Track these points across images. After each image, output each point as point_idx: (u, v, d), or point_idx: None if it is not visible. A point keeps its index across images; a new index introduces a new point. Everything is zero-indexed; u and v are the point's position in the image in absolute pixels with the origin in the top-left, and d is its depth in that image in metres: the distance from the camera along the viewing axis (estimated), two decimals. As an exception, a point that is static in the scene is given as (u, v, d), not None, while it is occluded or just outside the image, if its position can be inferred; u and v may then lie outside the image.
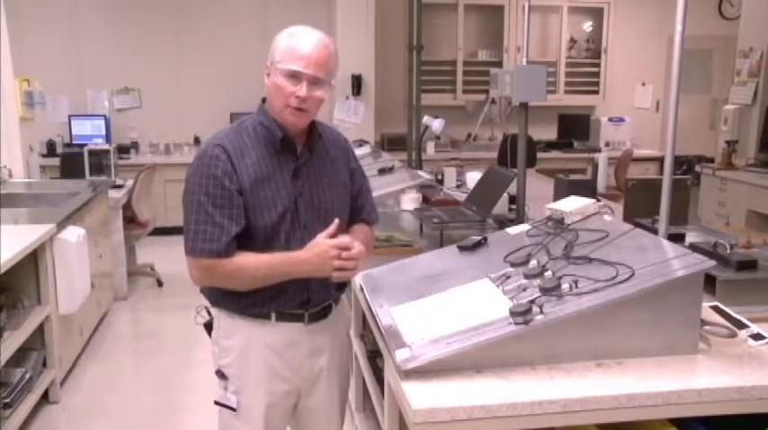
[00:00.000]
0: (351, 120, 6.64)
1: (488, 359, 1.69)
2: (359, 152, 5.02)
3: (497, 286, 1.92)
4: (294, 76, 1.79)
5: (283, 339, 1.93)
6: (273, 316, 1.91)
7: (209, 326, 2.02)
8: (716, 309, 2.07)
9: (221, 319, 1.96)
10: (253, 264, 1.82)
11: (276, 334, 1.92)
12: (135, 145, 7.12)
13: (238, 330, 1.93)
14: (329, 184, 1.95)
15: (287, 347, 1.93)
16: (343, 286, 2.07)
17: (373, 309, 2.05)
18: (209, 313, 2.02)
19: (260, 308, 1.90)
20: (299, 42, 1.80)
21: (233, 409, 1.94)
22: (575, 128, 7.69)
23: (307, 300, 1.92)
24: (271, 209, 1.84)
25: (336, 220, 1.88)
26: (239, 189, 1.82)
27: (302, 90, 1.79)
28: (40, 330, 3.44)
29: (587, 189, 3.56)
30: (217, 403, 1.97)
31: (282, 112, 1.84)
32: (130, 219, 5.39)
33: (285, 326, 1.92)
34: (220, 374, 1.96)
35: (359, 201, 2.06)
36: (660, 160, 6.49)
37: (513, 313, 1.71)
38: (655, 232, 2.23)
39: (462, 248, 2.35)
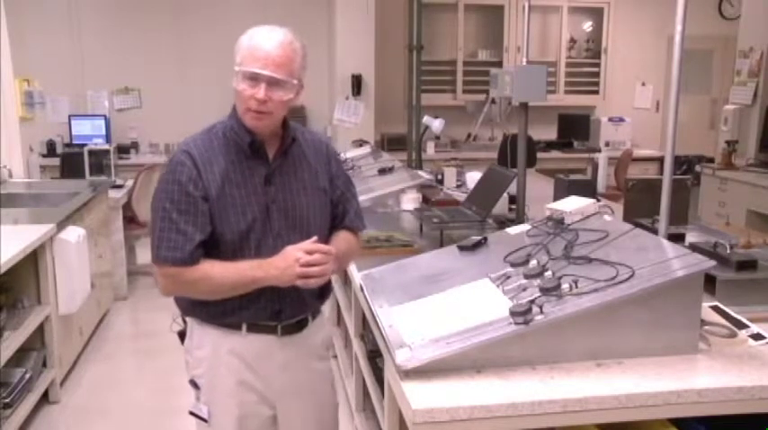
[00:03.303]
0: (351, 120, 6.64)
1: (488, 359, 1.69)
2: (359, 152, 5.04)
3: (497, 286, 1.92)
4: (253, 78, 1.74)
5: (254, 351, 1.88)
6: (244, 326, 1.87)
7: (182, 335, 1.99)
8: (716, 309, 2.07)
9: (193, 329, 1.93)
10: (218, 271, 1.78)
11: (246, 345, 1.88)
12: (135, 145, 7.12)
13: (208, 340, 1.89)
14: (305, 191, 1.89)
15: (258, 359, 1.89)
16: (323, 296, 2.00)
17: (373, 309, 2.05)
18: (185, 321, 1.98)
19: (230, 317, 1.85)
20: (257, 43, 1.75)
21: (205, 420, 1.91)
22: (575, 128, 7.68)
23: (278, 311, 1.87)
24: (239, 216, 1.80)
25: (315, 237, 1.81)
26: (204, 195, 1.78)
27: (260, 92, 1.74)
28: (40, 330, 3.44)
29: (587, 189, 3.57)
30: (191, 413, 1.94)
31: (244, 116, 1.80)
32: (130, 219, 5.40)
33: (256, 337, 1.88)
34: (193, 384, 1.93)
35: (340, 207, 1.99)
36: (660, 160, 6.49)
37: (513, 313, 1.71)
38: (655, 232, 2.23)
39: (462, 248, 2.35)
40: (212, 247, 1.80)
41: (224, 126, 1.86)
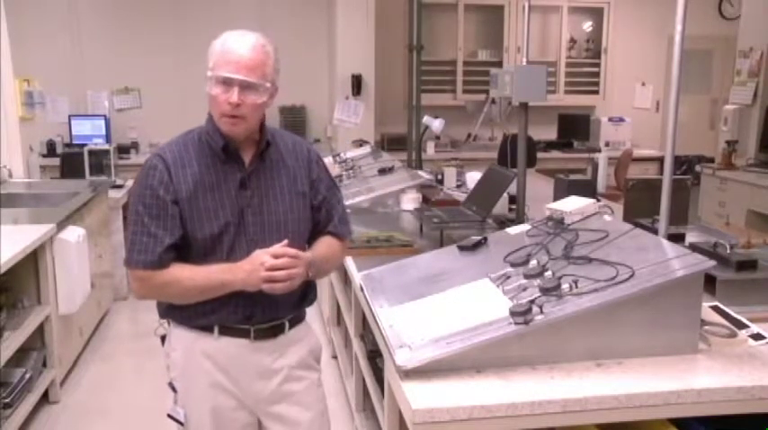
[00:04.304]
0: (351, 120, 6.64)
1: (488, 359, 1.69)
2: (359, 152, 5.04)
3: (497, 286, 1.92)
4: (226, 83, 1.74)
5: (227, 354, 1.87)
6: (216, 329, 1.86)
7: (164, 339, 1.99)
8: (716, 309, 2.07)
9: (170, 331, 1.94)
10: (188, 275, 1.78)
11: (219, 347, 1.87)
12: (135, 145, 7.11)
13: (183, 342, 1.90)
14: (282, 195, 1.87)
15: (231, 362, 1.87)
16: (302, 301, 1.96)
17: (373, 309, 2.05)
18: (170, 324, 1.97)
19: (203, 319, 1.85)
20: (230, 47, 1.75)
21: (181, 423, 1.90)
22: (575, 128, 7.68)
23: (250, 315, 1.85)
24: (212, 220, 1.80)
25: (285, 241, 1.79)
26: (175, 199, 1.78)
27: (233, 96, 1.73)
28: (40, 330, 3.44)
29: (587, 189, 3.57)
30: (168, 416, 1.93)
31: (219, 122, 1.80)
32: (130, 219, 5.39)
33: (229, 340, 1.86)
34: (171, 387, 1.93)
35: (323, 212, 1.96)
36: (660, 160, 6.49)
37: (513, 313, 1.71)
38: (655, 232, 2.23)
39: (462, 248, 2.35)
40: (185, 250, 1.81)
41: (200, 131, 1.87)
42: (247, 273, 1.75)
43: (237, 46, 1.75)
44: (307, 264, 1.81)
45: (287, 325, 1.93)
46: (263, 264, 1.73)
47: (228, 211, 1.81)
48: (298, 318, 1.99)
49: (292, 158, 1.93)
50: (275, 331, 1.91)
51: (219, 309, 1.83)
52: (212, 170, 1.83)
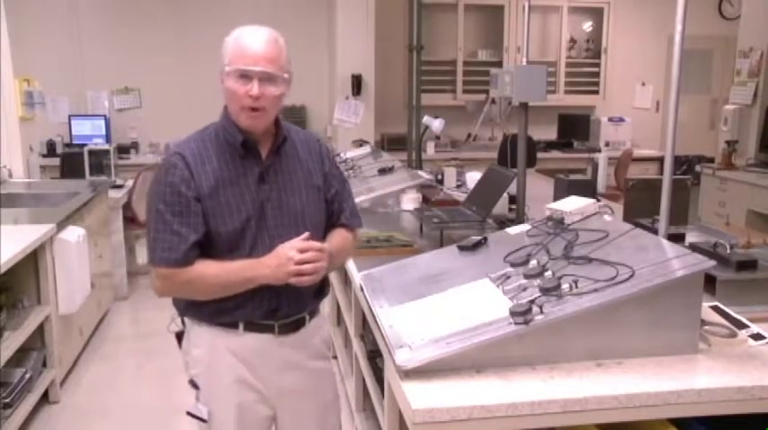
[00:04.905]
0: (351, 120, 6.63)
1: (488, 359, 1.69)
2: (359, 152, 5.04)
3: (497, 286, 1.92)
4: (244, 76, 1.76)
5: (252, 349, 1.88)
6: (241, 325, 1.87)
7: (180, 336, 1.99)
8: (716, 309, 2.07)
9: (191, 328, 1.94)
10: (212, 271, 1.79)
11: (244, 343, 1.88)
12: (135, 145, 7.12)
13: (206, 339, 1.90)
14: (299, 188, 1.90)
15: (256, 358, 1.89)
16: (320, 294, 2.00)
17: (373, 309, 2.05)
18: (184, 322, 1.98)
19: (227, 316, 1.86)
20: (245, 41, 1.78)
21: (204, 420, 1.91)
22: (575, 128, 7.68)
23: (276, 308, 1.87)
24: (233, 215, 1.81)
25: (306, 233, 1.82)
26: (197, 196, 1.79)
27: (254, 88, 1.75)
28: (40, 330, 3.44)
29: (587, 189, 3.57)
30: (189, 414, 1.93)
31: (239, 116, 1.81)
32: (130, 219, 5.39)
33: (253, 336, 1.88)
34: (192, 384, 1.94)
35: (335, 205, 2.00)
36: (660, 160, 6.49)
37: (513, 313, 1.71)
38: (655, 232, 2.23)
39: (462, 248, 2.35)
40: (208, 246, 1.81)
41: (216, 127, 1.88)
42: (272, 268, 1.77)
43: (252, 40, 1.78)
44: (329, 256, 1.83)
45: (307, 318, 1.97)
46: (292, 259, 1.76)
47: (249, 206, 1.83)
48: (315, 311, 2.02)
49: (305, 152, 1.96)
50: (297, 325, 1.94)
51: (244, 304, 1.85)
52: (231, 165, 1.84)
